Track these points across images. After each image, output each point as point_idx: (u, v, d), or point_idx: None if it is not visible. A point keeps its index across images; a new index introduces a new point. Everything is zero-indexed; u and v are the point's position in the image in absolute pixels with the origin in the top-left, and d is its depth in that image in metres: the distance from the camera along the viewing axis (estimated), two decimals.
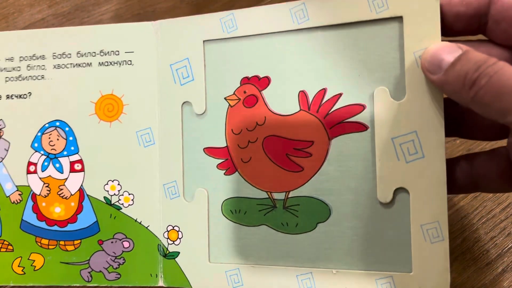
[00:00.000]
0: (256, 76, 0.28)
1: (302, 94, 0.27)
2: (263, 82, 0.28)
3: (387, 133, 0.25)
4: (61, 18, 0.45)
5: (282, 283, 0.27)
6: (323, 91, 0.26)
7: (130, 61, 0.30)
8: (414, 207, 0.24)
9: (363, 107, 0.26)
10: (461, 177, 0.26)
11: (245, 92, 0.28)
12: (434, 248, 0.24)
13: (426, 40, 0.24)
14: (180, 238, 0.30)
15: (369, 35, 0.25)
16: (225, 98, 0.29)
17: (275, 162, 0.28)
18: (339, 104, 0.26)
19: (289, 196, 0.27)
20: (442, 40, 0.24)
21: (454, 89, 0.22)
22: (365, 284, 0.25)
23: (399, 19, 0.24)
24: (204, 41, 0.29)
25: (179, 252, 0.30)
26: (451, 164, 0.26)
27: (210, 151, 0.29)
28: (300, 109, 0.27)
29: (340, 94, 0.26)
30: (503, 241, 0.34)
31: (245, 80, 0.28)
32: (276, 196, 0.28)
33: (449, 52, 0.22)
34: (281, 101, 0.27)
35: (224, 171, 0.29)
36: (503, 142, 0.26)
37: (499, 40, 0.24)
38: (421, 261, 0.24)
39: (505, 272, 0.33)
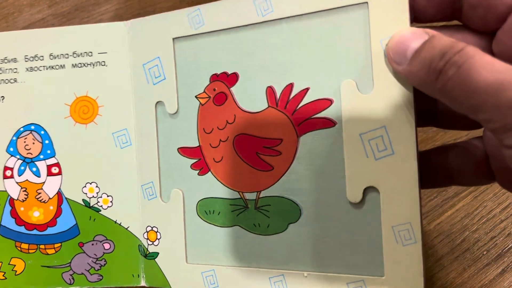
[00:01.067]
0: (225, 73, 0.27)
1: (270, 90, 0.26)
2: (231, 78, 0.27)
3: (355, 128, 0.23)
4: (61, 18, 0.45)
5: (256, 286, 0.26)
6: (290, 86, 0.25)
7: (104, 62, 0.30)
8: (385, 207, 0.23)
9: (330, 101, 0.24)
10: (435, 171, 0.24)
11: (214, 89, 0.27)
12: (406, 251, 0.22)
13: (394, 27, 0.22)
14: (158, 239, 0.29)
15: (334, 24, 0.24)
16: (195, 97, 0.28)
17: (246, 161, 0.27)
18: (306, 99, 0.25)
19: (260, 196, 0.26)
20: (415, 27, 0.22)
21: (420, 80, 0.20)
22: None
23: (364, 4, 0.23)
24: (173, 38, 0.28)
25: (158, 253, 0.30)
26: (424, 157, 0.24)
27: (184, 151, 0.28)
28: (268, 106, 0.26)
29: (307, 89, 0.25)
30: (503, 241, 0.32)
31: (214, 77, 0.27)
32: (248, 196, 0.27)
33: (415, 38, 0.20)
34: (250, 97, 0.26)
35: (197, 171, 0.28)
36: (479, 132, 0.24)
37: (475, 26, 0.22)
38: (393, 265, 0.23)
39: (505, 272, 0.31)
